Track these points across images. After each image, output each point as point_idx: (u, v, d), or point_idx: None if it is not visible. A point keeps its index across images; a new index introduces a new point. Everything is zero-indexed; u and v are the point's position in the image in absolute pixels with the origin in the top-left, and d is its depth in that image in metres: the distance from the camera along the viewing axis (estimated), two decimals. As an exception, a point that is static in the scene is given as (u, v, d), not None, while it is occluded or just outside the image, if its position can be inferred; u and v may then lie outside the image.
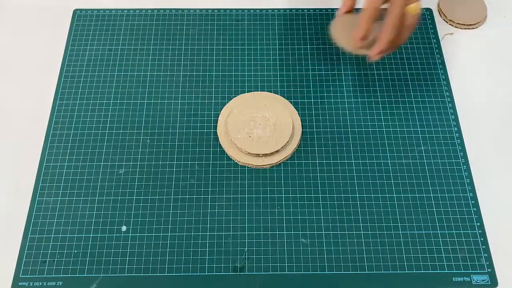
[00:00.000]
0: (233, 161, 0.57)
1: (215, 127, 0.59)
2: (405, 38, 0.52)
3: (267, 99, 0.60)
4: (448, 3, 0.69)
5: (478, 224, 0.54)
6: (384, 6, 0.51)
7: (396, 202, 0.55)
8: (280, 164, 0.57)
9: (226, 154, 0.57)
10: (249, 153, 0.56)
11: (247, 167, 0.57)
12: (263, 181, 0.56)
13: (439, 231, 0.53)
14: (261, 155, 0.56)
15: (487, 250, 0.52)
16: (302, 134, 0.58)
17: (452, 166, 0.57)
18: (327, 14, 0.68)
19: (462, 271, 0.51)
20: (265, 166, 0.57)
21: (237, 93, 0.62)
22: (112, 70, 0.63)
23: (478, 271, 0.51)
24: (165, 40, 0.66)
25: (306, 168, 0.57)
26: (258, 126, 0.58)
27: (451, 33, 0.66)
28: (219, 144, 0.58)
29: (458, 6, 0.69)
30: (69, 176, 0.56)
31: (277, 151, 0.57)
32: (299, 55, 0.65)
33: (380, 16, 0.51)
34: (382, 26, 0.51)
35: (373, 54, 0.52)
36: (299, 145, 0.58)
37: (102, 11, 0.68)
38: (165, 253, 0.52)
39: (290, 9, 0.69)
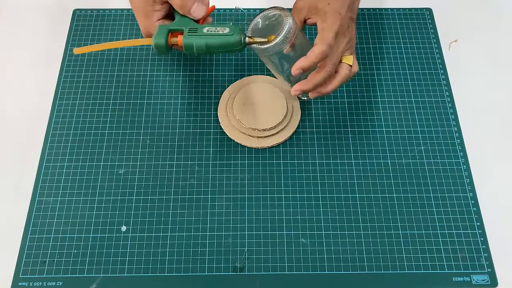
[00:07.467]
0: (234, 161, 0.57)
1: (215, 127, 0.59)
2: (333, 88, 0.51)
3: (265, 81, 0.62)
4: None
5: (478, 224, 0.54)
6: None
7: (396, 202, 0.55)
8: (280, 164, 0.57)
9: (226, 155, 0.57)
10: (252, 129, 0.57)
11: (247, 167, 0.57)
12: (263, 181, 0.56)
13: (439, 231, 0.53)
14: (267, 129, 0.57)
15: (487, 250, 0.52)
16: (302, 134, 0.59)
17: (452, 166, 0.57)
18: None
19: (462, 271, 0.51)
20: (268, 146, 0.57)
21: (237, 93, 0.62)
22: (112, 70, 0.63)
23: (478, 271, 0.51)
24: (165, 40, 0.66)
25: (306, 168, 0.57)
26: (262, 103, 0.59)
27: (455, 41, 0.66)
28: (219, 144, 0.58)
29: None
30: (69, 176, 0.56)
31: (282, 129, 0.58)
32: (299, 55, 0.65)
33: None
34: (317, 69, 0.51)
35: (294, 89, 0.51)
36: (298, 127, 0.59)
37: (102, 11, 0.68)
38: (165, 253, 0.52)
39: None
